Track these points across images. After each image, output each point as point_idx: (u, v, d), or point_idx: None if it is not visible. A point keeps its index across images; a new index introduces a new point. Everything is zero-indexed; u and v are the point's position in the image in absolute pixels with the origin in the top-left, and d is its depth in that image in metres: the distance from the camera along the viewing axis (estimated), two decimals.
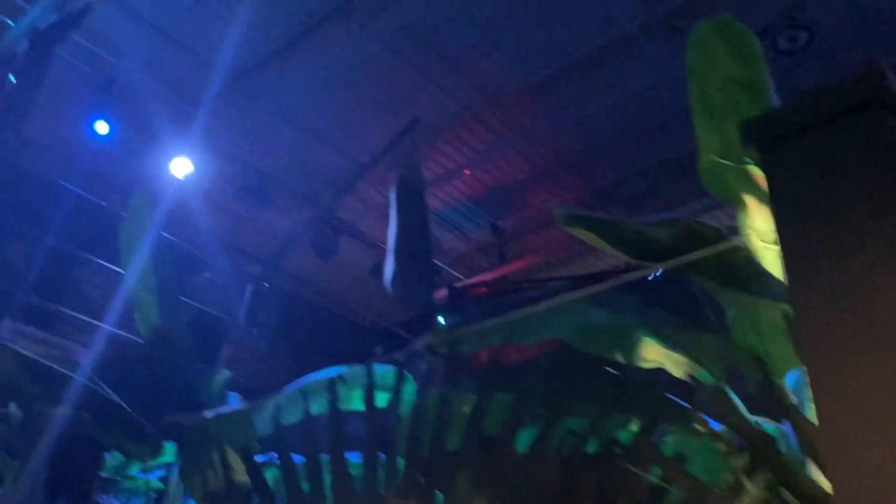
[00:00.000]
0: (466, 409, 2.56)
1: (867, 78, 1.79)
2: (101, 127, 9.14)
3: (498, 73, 9.94)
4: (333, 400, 2.82)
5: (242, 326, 10.14)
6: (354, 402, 3.52)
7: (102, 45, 9.52)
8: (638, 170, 11.30)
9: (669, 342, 2.62)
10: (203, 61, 9.75)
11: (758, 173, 2.72)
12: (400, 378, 2.61)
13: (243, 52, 9.79)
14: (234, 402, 4.13)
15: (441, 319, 10.93)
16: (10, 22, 8.81)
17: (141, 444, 3.20)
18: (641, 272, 2.23)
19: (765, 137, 1.93)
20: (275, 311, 10.39)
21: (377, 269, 11.85)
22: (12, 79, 8.18)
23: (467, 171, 11.11)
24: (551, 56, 9.67)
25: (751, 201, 2.69)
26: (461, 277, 12.62)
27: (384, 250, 12.21)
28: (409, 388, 2.74)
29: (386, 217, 12.32)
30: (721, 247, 2.13)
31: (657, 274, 2.47)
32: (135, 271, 3.55)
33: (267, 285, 10.57)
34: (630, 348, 2.73)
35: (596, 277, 12.87)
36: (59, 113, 9.55)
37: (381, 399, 3.45)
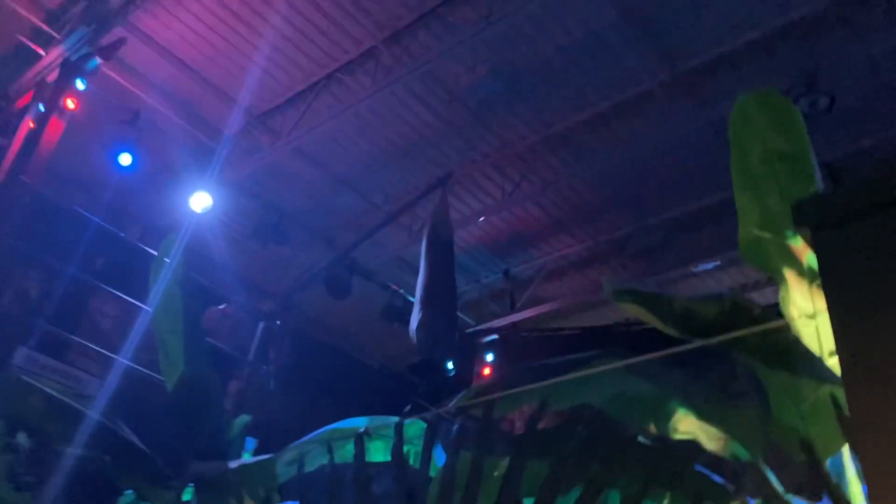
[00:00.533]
0: (497, 473, 2.53)
1: None
2: (125, 159, 9.25)
3: (518, 123, 10.04)
4: (360, 454, 2.79)
5: (251, 362, 10.11)
6: (379, 454, 3.49)
7: (130, 78, 9.68)
8: (652, 224, 11.33)
9: (705, 415, 2.59)
10: (227, 98, 9.90)
11: (798, 247, 2.71)
12: (431, 438, 2.58)
13: (268, 90, 9.95)
14: (251, 446, 4.10)
15: (450, 366, 10.90)
16: (41, 52, 8.98)
17: (161, 491, 3.17)
18: (683, 347, 2.21)
19: (819, 218, 1.93)
20: (285, 349, 10.36)
21: (389, 311, 11.86)
22: (41, 108, 8.31)
23: (483, 218, 11.14)
24: (572, 108, 9.77)
25: (791, 276, 2.67)
26: (472, 323, 12.59)
27: (396, 292, 12.28)
28: (438, 450, 2.71)
29: (399, 261, 12.42)
30: (767, 325, 2.12)
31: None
32: (163, 314, 3.55)
33: (279, 322, 10.56)
34: (664, 419, 2.70)
35: (606, 330, 12.83)
36: (84, 143, 9.67)
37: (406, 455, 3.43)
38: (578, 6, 8.49)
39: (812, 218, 1.97)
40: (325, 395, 10.76)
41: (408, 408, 2.86)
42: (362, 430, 3.07)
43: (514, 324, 12.33)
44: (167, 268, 3.55)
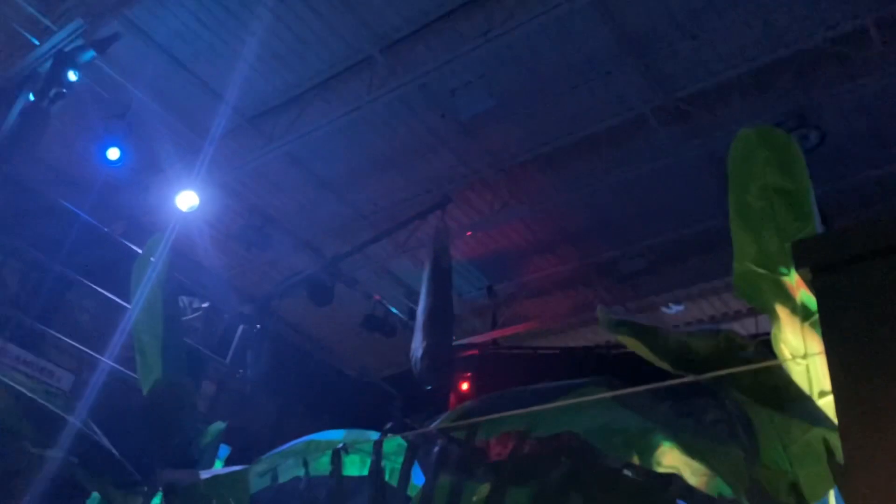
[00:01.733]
0: (476, 498, 2.48)
1: None
2: (113, 153, 9.13)
3: (510, 141, 10.04)
4: (337, 470, 2.73)
5: (228, 366, 9.99)
6: (354, 467, 3.43)
7: (121, 72, 9.58)
8: (638, 249, 11.36)
9: (690, 450, 2.57)
10: (220, 98, 9.81)
11: (792, 285, 2.70)
12: (411, 458, 2.53)
13: (261, 93, 9.88)
14: (224, 453, 4.03)
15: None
16: (35, 41, 8.87)
17: (129, 496, 3.08)
18: (674, 381, 2.18)
19: (819, 260, 1.91)
20: (263, 354, 10.25)
21: (370, 321, 11.79)
22: (31, 97, 8.21)
23: (469, 233, 11.12)
24: (564, 130, 9.79)
25: (783, 313, 2.66)
26: (453, 337, 12.53)
27: (378, 303, 12.22)
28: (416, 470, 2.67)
29: (383, 271, 12.36)
30: (760, 364, 2.09)
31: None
32: (144, 315, 3.47)
33: (258, 326, 10.45)
34: (647, 451, 2.67)
35: (585, 351, 12.82)
36: (72, 136, 9.57)
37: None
38: (576, 29, 8.52)
39: (813, 259, 1.95)
40: (301, 402, 10.65)
41: (388, 425, 2.81)
42: (340, 444, 3.01)
43: (494, 340, 12.30)
44: (151, 268, 3.48)
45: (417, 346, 8.77)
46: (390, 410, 12.05)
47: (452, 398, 11.40)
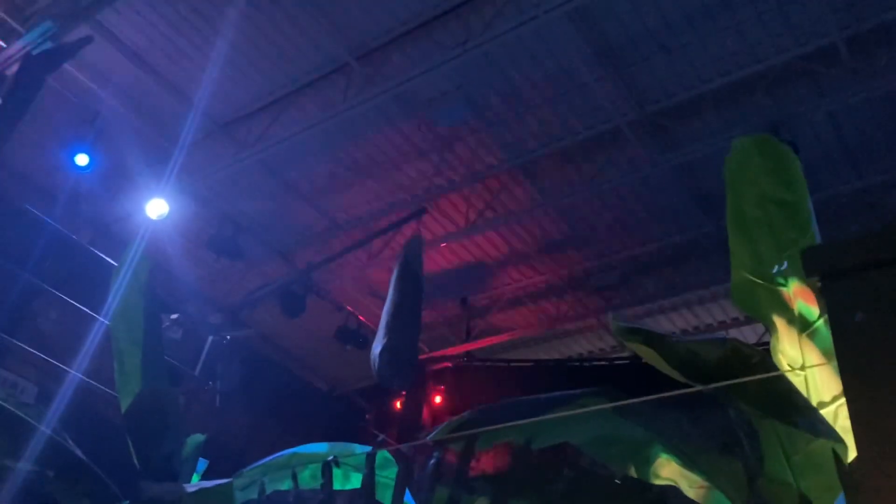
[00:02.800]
0: None
1: None
2: (82, 159, 8.93)
3: (486, 151, 10.03)
4: (328, 483, 2.66)
5: (198, 378, 9.79)
6: (337, 481, 3.35)
7: (91, 77, 9.39)
8: (612, 262, 11.40)
9: (689, 462, 2.54)
10: (191, 104, 9.64)
11: (789, 295, 2.69)
12: (405, 474, 2.46)
13: (235, 99, 9.75)
14: (202, 467, 3.92)
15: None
16: (2, 44, 8.67)
17: None
18: (678, 392, 2.15)
19: (829, 268, 1.90)
20: (233, 366, 10.06)
21: (342, 333, 11.66)
22: None
23: (444, 244, 11.08)
24: (540, 141, 9.81)
25: (781, 324, 2.65)
26: (425, 349, 12.45)
27: (351, 314, 12.09)
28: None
29: (357, 283, 12.24)
30: (766, 375, 2.07)
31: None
32: (122, 323, 3.35)
33: (228, 338, 10.27)
34: (644, 463, 2.64)
35: (558, 364, 12.83)
36: (40, 141, 9.34)
37: (356, 480, 3.29)
38: (553, 41, 8.55)
39: (823, 267, 1.93)
40: (272, 414, 10.48)
41: (381, 438, 2.74)
42: (327, 457, 2.93)
43: (468, 352, 12.25)
44: (131, 276, 3.37)
45: (377, 343, 8.56)
46: (362, 424, 11.91)
47: (425, 411, 11.31)
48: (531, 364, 12.20)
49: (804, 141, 8.86)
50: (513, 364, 12.02)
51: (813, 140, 9.13)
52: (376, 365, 8.08)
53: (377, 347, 8.18)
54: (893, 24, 7.94)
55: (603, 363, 12.13)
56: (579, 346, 12.97)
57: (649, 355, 2.12)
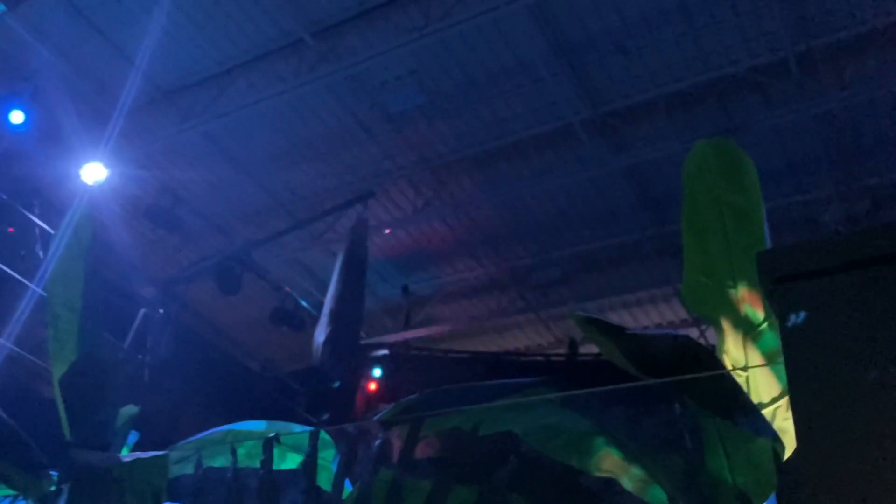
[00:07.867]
0: (417, 497, 2.39)
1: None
2: (17, 116, 8.53)
3: (437, 139, 9.98)
4: (268, 461, 2.59)
5: (126, 350, 9.50)
6: (279, 460, 3.28)
7: (30, 29, 8.96)
8: (555, 258, 11.49)
9: (630, 456, 2.55)
10: (136, 68, 9.29)
11: (737, 298, 2.73)
12: (349, 454, 2.41)
13: (181, 67, 9.43)
14: (133, 439, 3.80)
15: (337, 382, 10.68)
16: None
17: (31, 478, 2.83)
18: (622, 385, 2.16)
19: (781, 272, 1.92)
20: (164, 340, 9.80)
21: (278, 314, 11.48)
22: None
23: (388, 230, 11.00)
24: (492, 133, 9.80)
25: (727, 325, 2.69)
26: (363, 335, 12.34)
27: (288, 295, 11.90)
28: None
29: (296, 263, 12.05)
30: (712, 373, 2.10)
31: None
32: (60, 287, 3.19)
33: (161, 311, 10.00)
34: (586, 455, 2.64)
35: (496, 357, 12.89)
36: None
37: (292, 460, 3.23)
38: (512, 34, 8.55)
39: (776, 271, 1.95)
40: (200, 391, 10.24)
41: (325, 416, 2.68)
42: (268, 434, 2.86)
43: (406, 341, 12.20)
44: (71, 237, 3.22)
45: (321, 331, 8.55)
46: (293, 407, 11.75)
47: (359, 398, 11.23)
48: (469, 356, 12.23)
49: (750, 152, 8.91)
50: (451, 355, 12.03)
51: (759, 152, 9.34)
52: (318, 353, 8.03)
53: (320, 336, 8.13)
54: (843, 44, 8.20)
55: (539, 359, 12.24)
56: (517, 341, 13.06)
57: (606, 346, 2.12)
